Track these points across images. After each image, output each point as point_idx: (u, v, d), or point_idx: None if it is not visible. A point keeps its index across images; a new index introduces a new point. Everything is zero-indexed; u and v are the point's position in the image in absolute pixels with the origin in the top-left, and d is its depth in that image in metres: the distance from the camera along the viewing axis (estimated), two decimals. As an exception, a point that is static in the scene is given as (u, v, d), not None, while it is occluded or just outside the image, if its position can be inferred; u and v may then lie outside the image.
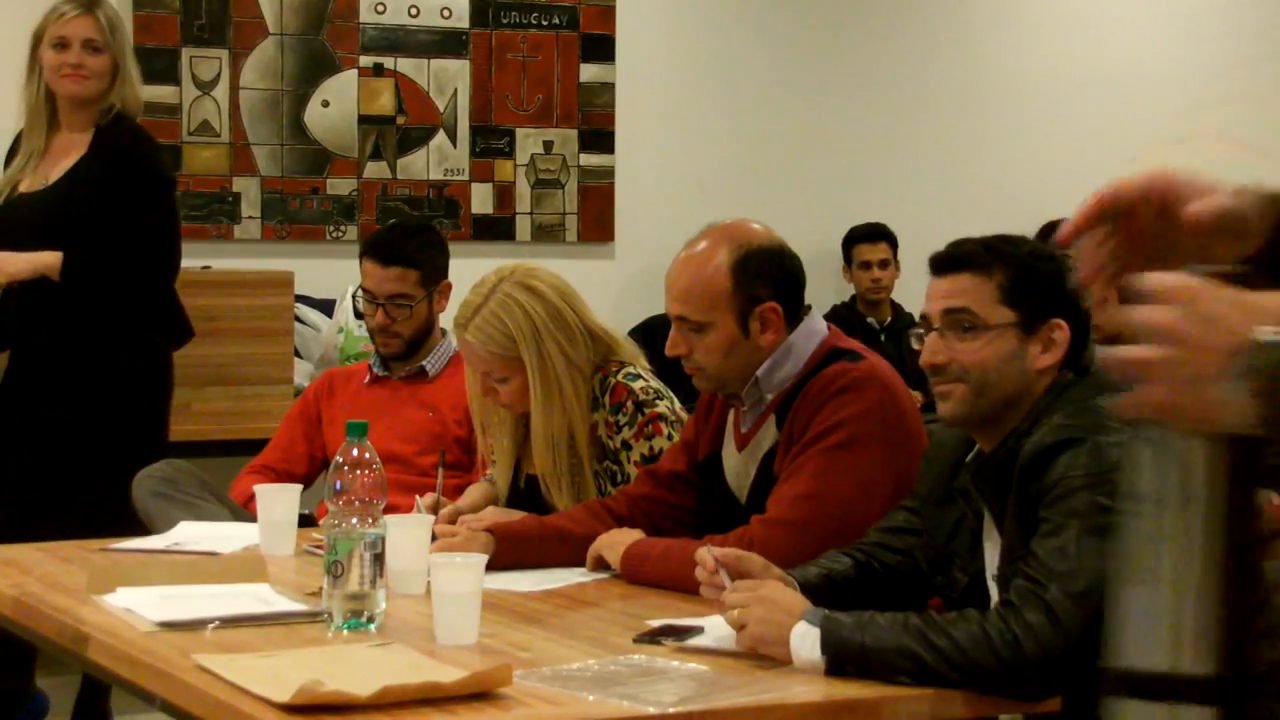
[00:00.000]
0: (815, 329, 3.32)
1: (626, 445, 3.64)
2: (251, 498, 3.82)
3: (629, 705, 2.34)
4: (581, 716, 2.31)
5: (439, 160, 6.61)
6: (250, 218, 6.34)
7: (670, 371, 3.68)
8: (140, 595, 2.93)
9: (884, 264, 7.37)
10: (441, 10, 6.61)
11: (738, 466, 3.34)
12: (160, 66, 6.11)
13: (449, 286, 4.43)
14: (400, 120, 6.54)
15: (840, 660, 2.53)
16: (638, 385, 3.67)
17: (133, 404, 4.65)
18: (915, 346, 2.87)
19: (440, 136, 6.61)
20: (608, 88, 6.91)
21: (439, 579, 2.71)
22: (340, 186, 6.47)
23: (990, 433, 2.80)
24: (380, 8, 6.50)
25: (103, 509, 4.27)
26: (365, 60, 6.49)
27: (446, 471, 3.91)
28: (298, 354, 5.96)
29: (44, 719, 4.84)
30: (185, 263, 4.83)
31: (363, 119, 6.49)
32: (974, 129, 7.84)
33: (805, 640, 2.55)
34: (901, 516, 3.00)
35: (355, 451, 2.78)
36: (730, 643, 2.65)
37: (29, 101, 4.76)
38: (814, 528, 3.09)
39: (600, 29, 6.88)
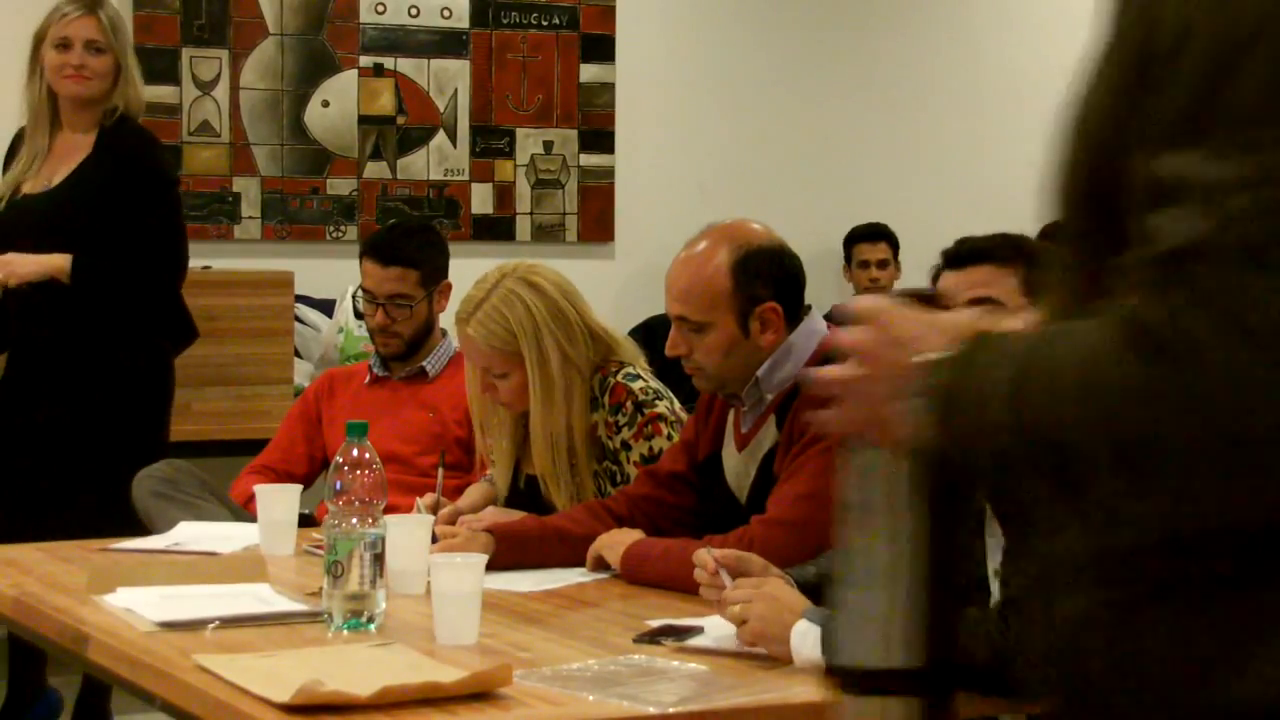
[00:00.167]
0: (815, 329, 3.32)
1: (626, 445, 3.64)
2: (251, 498, 3.82)
3: (629, 705, 2.34)
4: (581, 716, 2.31)
5: (439, 160, 6.61)
6: (250, 218, 6.34)
7: (670, 371, 3.68)
8: (140, 595, 2.93)
9: (883, 264, 7.37)
10: (441, 10, 6.61)
11: (738, 466, 3.34)
12: (160, 66, 6.11)
13: (449, 287, 4.43)
14: (400, 120, 6.55)
15: (840, 659, 2.53)
16: (637, 385, 3.67)
17: (134, 404, 4.65)
18: None
19: (440, 136, 6.61)
20: (608, 88, 6.91)
21: (439, 579, 2.71)
22: (340, 186, 6.47)
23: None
24: (380, 8, 6.51)
25: (103, 509, 4.27)
26: (365, 60, 6.49)
27: (446, 471, 3.91)
28: (298, 354, 5.96)
29: (58, 716, 4.85)
30: (186, 263, 4.84)
31: (363, 119, 6.49)
32: (975, 129, 7.84)
33: (806, 638, 2.55)
34: (902, 516, 3.00)
35: (355, 452, 2.78)
36: (730, 643, 2.65)
37: (31, 102, 4.76)
38: (814, 528, 3.09)
39: (600, 29, 6.88)
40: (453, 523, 3.47)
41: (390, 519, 2.89)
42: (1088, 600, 1.31)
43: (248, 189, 6.34)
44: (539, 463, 3.70)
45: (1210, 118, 1.19)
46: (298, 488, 3.68)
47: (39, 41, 4.74)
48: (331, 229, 6.45)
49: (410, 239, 4.50)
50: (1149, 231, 1.23)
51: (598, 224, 6.91)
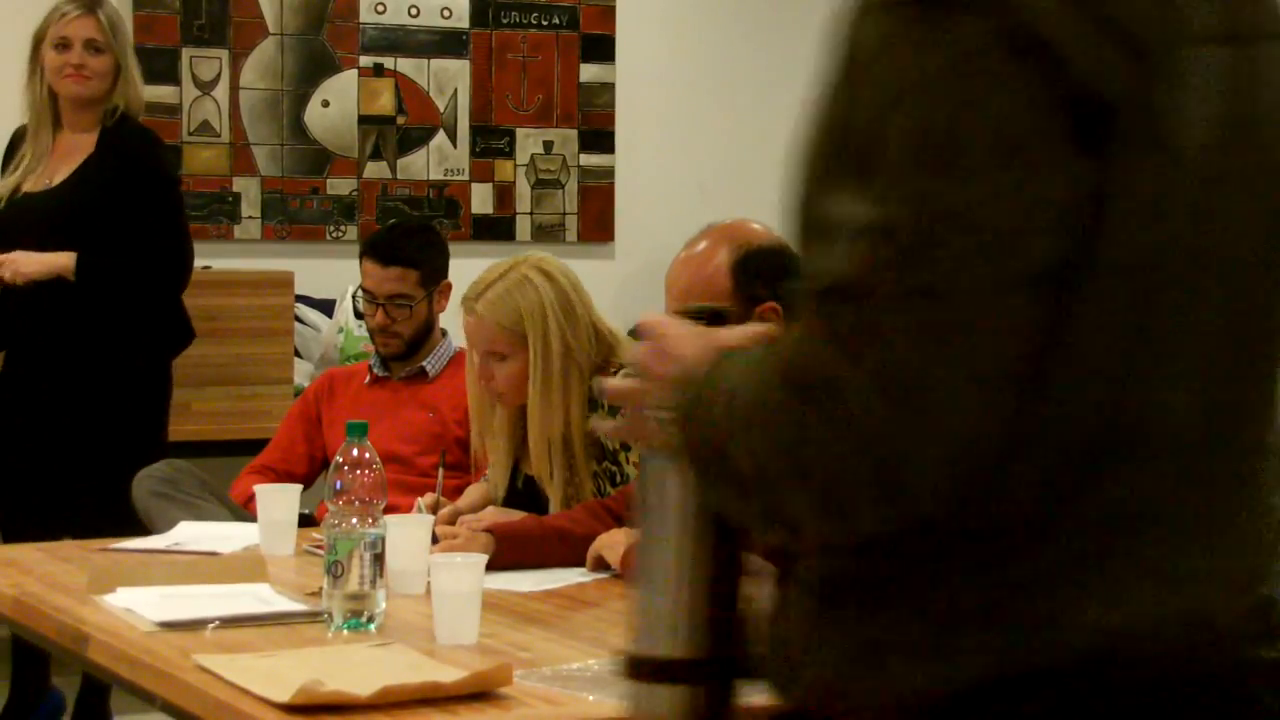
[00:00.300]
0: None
1: (626, 446, 3.64)
2: (251, 498, 3.82)
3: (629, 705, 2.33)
4: (581, 716, 2.31)
5: (439, 160, 6.61)
6: (250, 218, 6.34)
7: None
8: (140, 595, 2.93)
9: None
10: (441, 10, 6.61)
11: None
12: (160, 66, 6.11)
13: (449, 286, 4.43)
14: (400, 120, 6.55)
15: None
16: (637, 385, 3.67)
17: (132, 405, 4.65)
18: None
19: (440, 136, 6.61)
20: (608, 88, 6.91)
21: (439, 579, 2.71)
22: (340, 186, 6.47)
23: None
24: (380, 8, 6.51)
25: (103, 509, 4.27)
26: (365, 60, 6.49)
27: (446, 471, 3.91)
28: (298, 354, 5.96)
29: (61, 716, 4.85)
30: (186, 263, 4.84)
31: (363, 119, 6.49)
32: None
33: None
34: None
35: (355, 451, 2.78)
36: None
37: (32, 102, 4.76)
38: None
39: (600, 29, 6.88)
40: (453, 523, 3.47)
41: (390, 519, 2.89)
42: (794, 594, 1.43)
43: (248, 189, 6.34)
44: (535, 458, 3.70)
45: (869, 166, 1.29)
46: (298, 488, 3.68)
47: (39, 41, 4.75)
48: (331, 229, 6.46)
49: (410, 239, 4.50)
50: (807, 267, 1.35)
51: (598, 224, 6.91)
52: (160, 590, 2.98)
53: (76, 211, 4.63)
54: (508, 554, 3.29)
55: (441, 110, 6.61)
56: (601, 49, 6.89)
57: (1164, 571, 1.33)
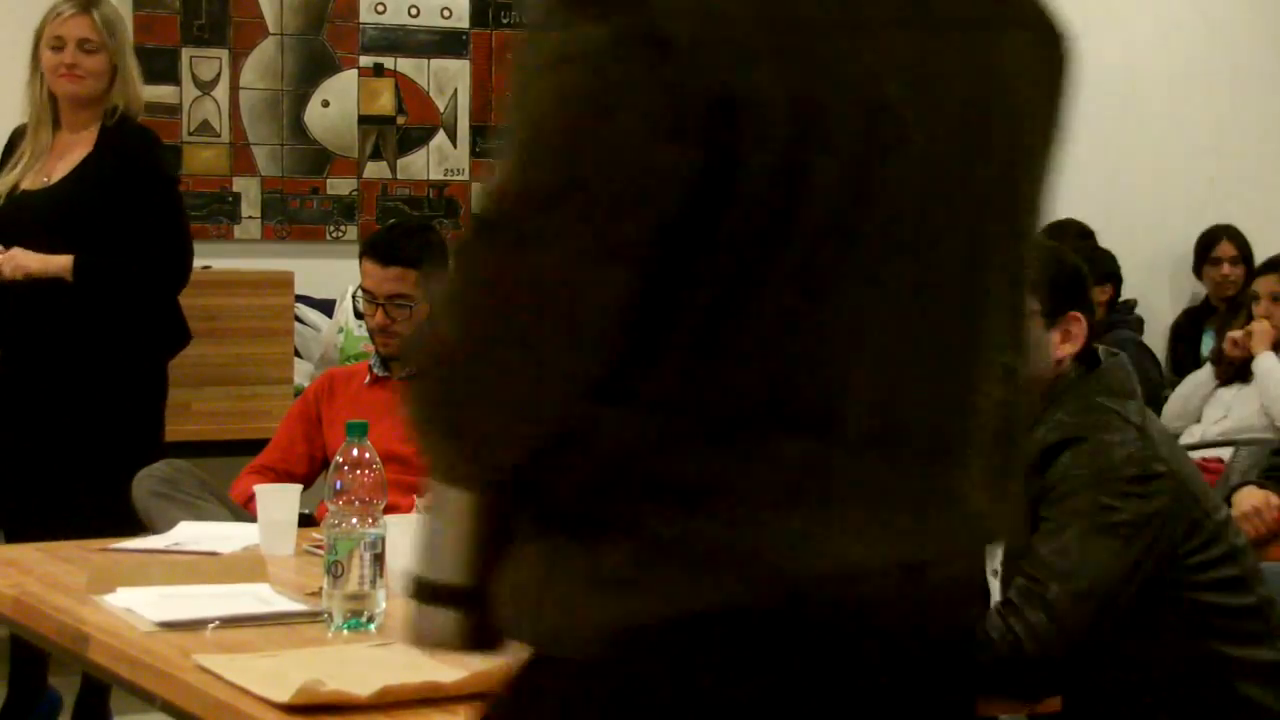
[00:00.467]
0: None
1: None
2: (251, 498, 3.82)
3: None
4: (582, 716, 2.30)
5: (439, 160, 6.61)
6: (250, 218, 6.34)
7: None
8: (140, 595, 2.92)
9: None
10: (441, 10, 6.60)
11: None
12: (160, 66, 6.10)
13: (449, 286, 4.42)
14: (400, 120, 6.54)
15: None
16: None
17: (129, 405, 4.65)
18: None
19: (440, 136, 6.61)
20: (608, 88, 6.90)
21: (439, 579, 2.70)
22: (340, 186, 6.47)
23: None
24: (380, 8, 6.50)
25: (103, 509, 4.26)
26: (365, 60, 6.49)
27: (447, 471, 3.90)
28: (298, 354, 5.96)
29: (58, 717, 4.85)
30: (186, 263, 4.84)
31: (363, 119, 6.49)
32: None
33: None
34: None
35: (355, 451, 2.78)
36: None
37: (32, 101, 4.76)
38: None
39: (600, 29, 6.87)
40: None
41: (390, 519, 2.89)
42: (521, 535, 1.50)
43: (248, 189, 6.34)
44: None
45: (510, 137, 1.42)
46: (298, 488, 3.68)
47: (37, 40, 4.75)
48: (331, 229, 6.45)
49: (410, 239, 4.50)
50: None
51: (598, 224, 6.90)
52: (160, 590, 2.97)
53: (74, 210, 4.63)
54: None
55: (441, 110, 6.61)
56: (601, 49, 6.88)
57: (833, 528, 1.41)
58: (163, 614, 2.80)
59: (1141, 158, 8.05)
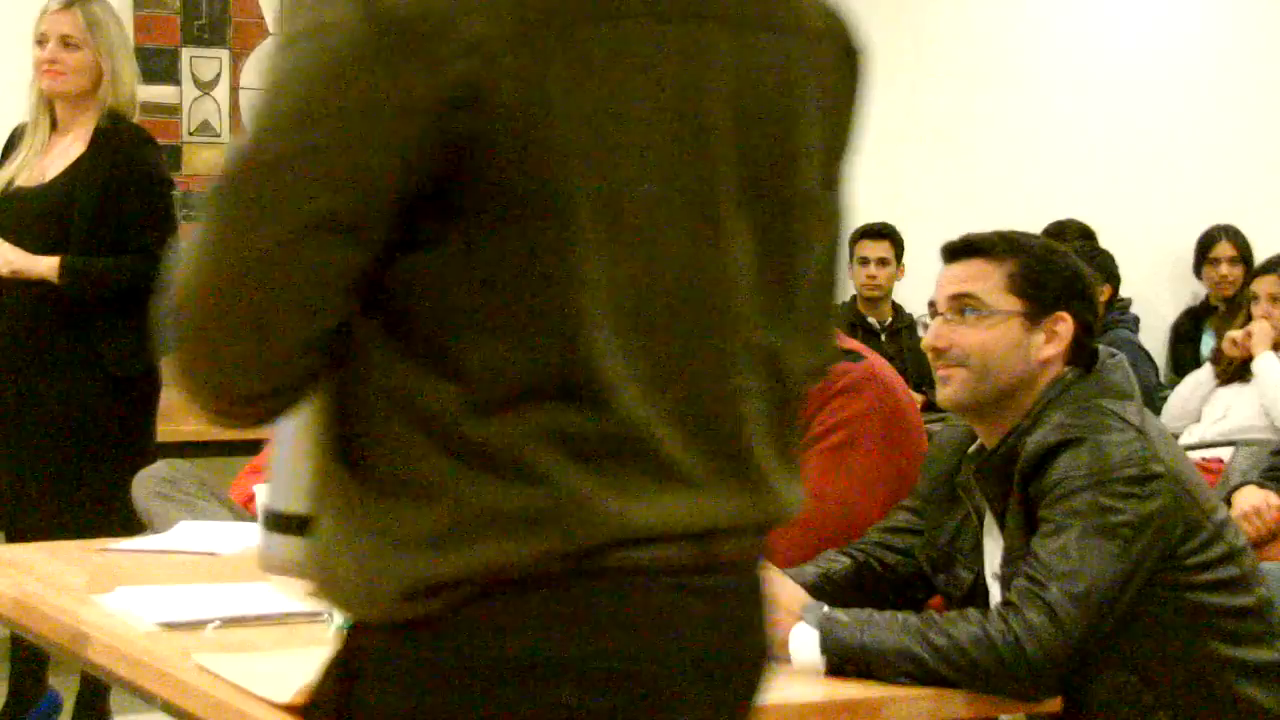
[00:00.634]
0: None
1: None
2: (251, 498, 3.82)
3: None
4: (582, 716, 2.30)
5: (439, 160, 6.61)
6: (250, 218, 6.34)
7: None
8: (140, 595, 2.93)
9: (882, 262, 7.36)
10: (442, 10, 6.60)
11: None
12: (160, 66, 6.11)
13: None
14: (400, 120, 6.54)
15: (839, 660, 2.53)
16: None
17: (123, 405, 4.65)
18: (921, 335, 2.89)
19: (440, 136, 6.61)
20: (608, 88, 6.91)
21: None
22: (340, 186, 6.46)
23: (991, 424, 2.80)
24: (380, 8, 6.50)
25: (103, 509, 4.26)
26: (365, 60, 6.48)
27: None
28: (298, 354, 5.95)
29: (57, 717, 4.85)
30: (186, 262, 4.83)
31: (363, 119, 6.48)
32: (981, 129, 7.84)
33: (804, 641, 2.55)
34: (902, 516, 3.00)
35: (355, 451, 2.78)
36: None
37: (32, 99, 4.77)
38: (814, 527, 3.09)
39: (600, 29, 6.88)
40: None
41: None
42: (325, 496, 1.57)
43: (248, 189, 6.33)
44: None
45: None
46: (298, 488, 3.68)
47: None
48: (331, 229, 6.45)
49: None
50: None
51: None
52: (160, 590, 2.97)
53: (66, 208, 4.63)
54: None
55: (441, 110, 6.61)
56: (601, 49, 6.89)
57: (621, 496, 1.48)
58: (163, 614, 2.80)
59: (1142, 158, 8.06)
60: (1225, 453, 5.10)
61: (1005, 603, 2.57)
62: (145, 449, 4.52)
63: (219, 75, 6.29)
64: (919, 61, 7.70)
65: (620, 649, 1.49)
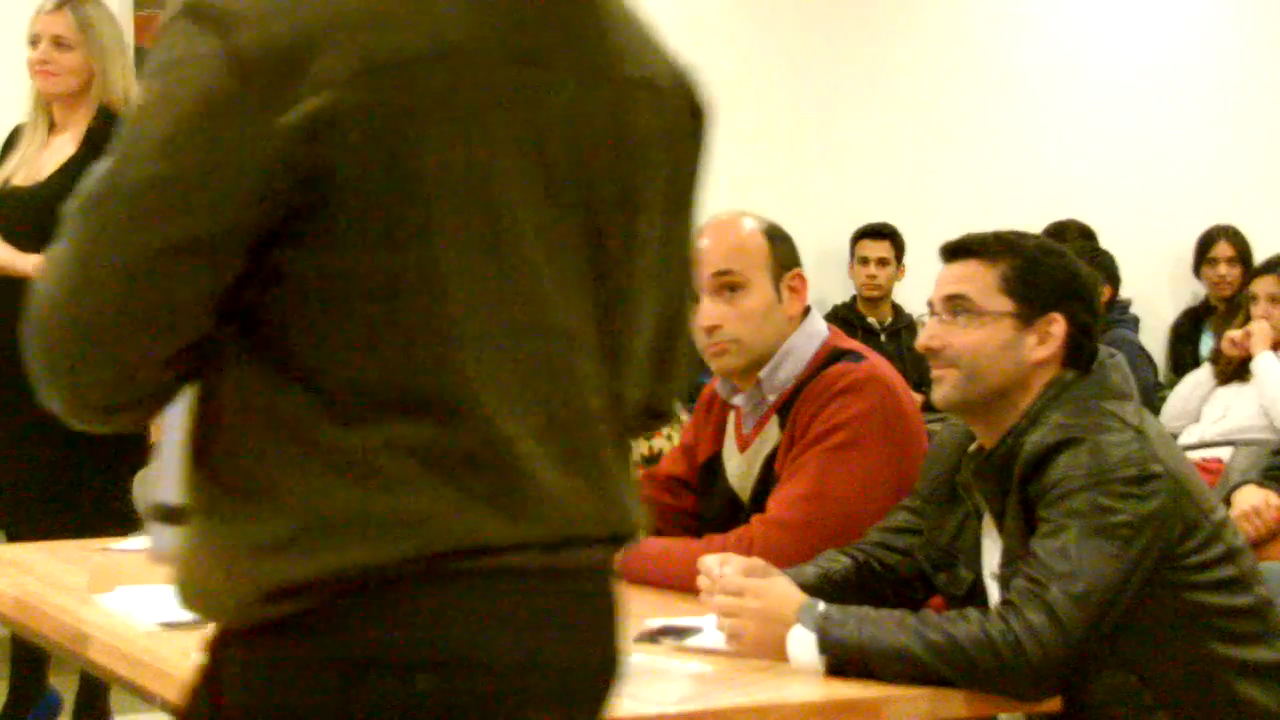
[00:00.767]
0: (816, 330, 3.32)
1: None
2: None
3: (629, 704, 2.33)
4: (581, 716, 2.31)
5: (439, 160, 6.61)
6: (250, 218, 6.34)
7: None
8: (140, 595, 2.93)
9: (882, 262, 7.37)
10: (441, 10, 6.60)
11: (740, 468, 3.34)
12: (160, 66, 6.11)
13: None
14: (400, 120, 6.54)
15: (838, 660, 2.53)
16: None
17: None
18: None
19: (440, 136, 6.61)
20: (608, 88, 6.91)
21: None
22: (340, 186, 6.47)
23: (986, 424, 2.80)
24: (380, 8, 6.50)
25: (103, 509, 4.27)
26: (365, 60, 6.49)
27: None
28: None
29: (57, 717, 4.85)
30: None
31: (363, 119, 6.49)
32: (981, 129, 7.85)
33: (802, 645, 2.55)
34: (902, 516, 3.00)
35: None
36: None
37: (31, 98, 4.78)
38: (814, 528, 3.09)
39: (600, 29, 6.88)
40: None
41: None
42: (189, 501, 1.64)
43: (248, 189, 6.34)
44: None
45: None
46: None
47: (38, 38, 4.78)
48: (331, 229, 6.45)
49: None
50: None
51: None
52: (161, 590, 2.97)
53: (57, 207, 4.63)
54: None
55: (441, 110, 6.61)
56: (601, 49, 6.88)
57: (466, 507, 1.54)
58: (163, 614, 2.80)
59: (1142, 158, 8.06)
60: (1224, 452, 5.10)
61: (1005, 603, 2.57)
62: (145, 448, 4.52)
63: (219, 75, 6.29)
64: (919, 62, 7.70)
65: (474, 645, 1.55)
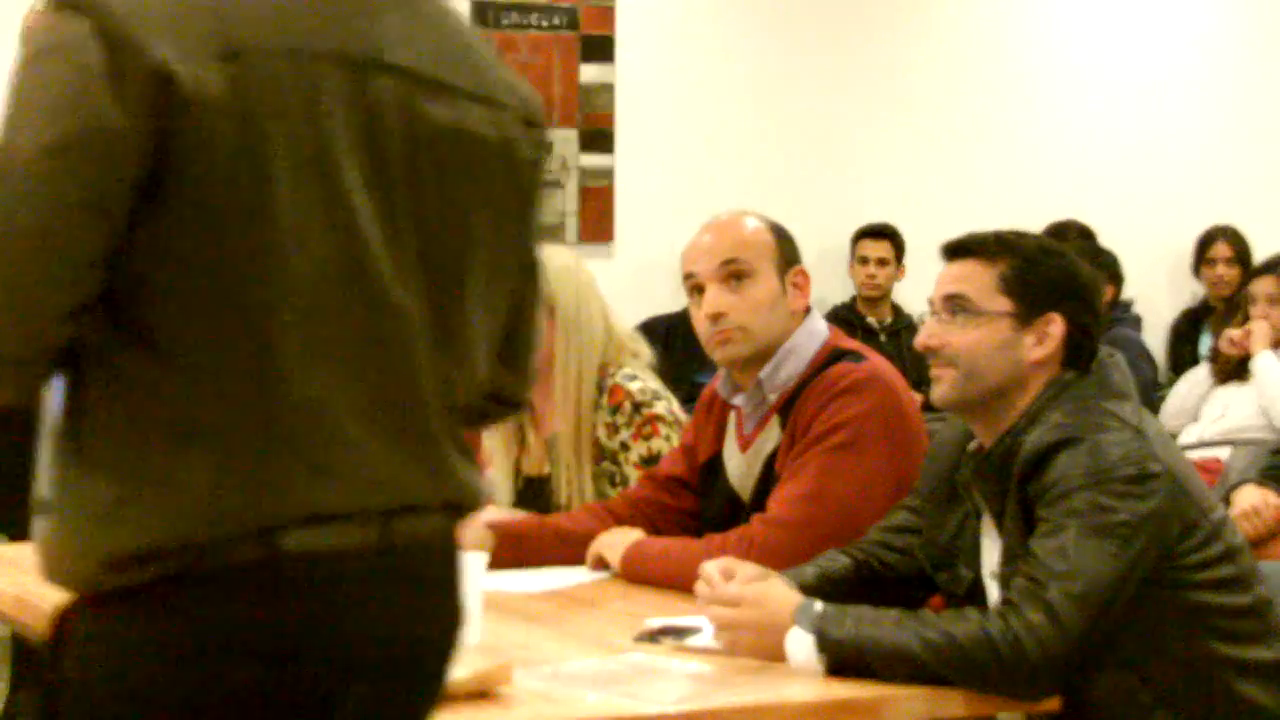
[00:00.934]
0: (817, 330, 3.32)
1: (625, 446, 3.64)
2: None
3: (629, 704, 2.34)
4: (581, 716, 2.31)
5: (439, 160, 6.61)
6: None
7: (672, 374, 3.68)
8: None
9: (882, 262, 7.37)
10: (441, 10, 6.60)
11: (740, 467, 3.34)
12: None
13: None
14: (400, 120, 6.54)
15: (836, 659, 2.53)
16: (635, 386, 3.67)
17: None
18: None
19: (440, 136, 6.61)
20: (608, 88, 6.92)
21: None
22: (340, 186, 6.47)
23: (985, 423, 2.81)
24: (380, 8, 6.50)
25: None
26: (365, 60, 6.48)
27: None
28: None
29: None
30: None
31: (363, 119, 6.49)
32: (982, 130, 7.85)
33: (801, 647, 2.55)
34: (901, 515, 3.00)
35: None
36: (729, 642, 2.66)
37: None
38: (815, 528, 3.09)
39: (600, 29, 6.89)
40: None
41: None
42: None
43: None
44: (536, 458, 3.70)
45: None
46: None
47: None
48: (331, 229, 6.45)
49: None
50: None
51: (597, 224, 6.91)
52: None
53: None
54: (507, 552, 3.30)
55: (441, 110, 6.61)
56: (601, 50, 6.89)
57: (301, 478, 1.64)
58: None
59: (1142, 158, 8.06)
60: (1224, 452, 5.11)
61: (1005, 602, 2.57)
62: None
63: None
64: (919, 63, 7.70)
65: (303, 625, 1.64)
